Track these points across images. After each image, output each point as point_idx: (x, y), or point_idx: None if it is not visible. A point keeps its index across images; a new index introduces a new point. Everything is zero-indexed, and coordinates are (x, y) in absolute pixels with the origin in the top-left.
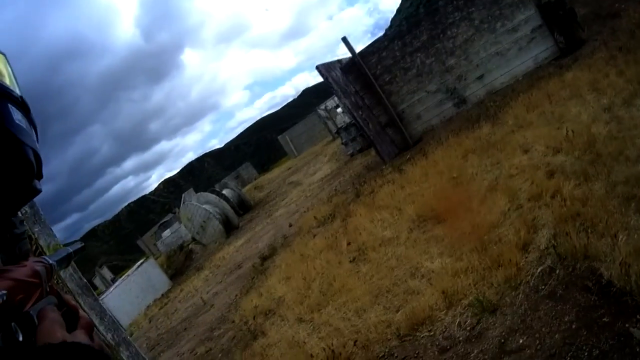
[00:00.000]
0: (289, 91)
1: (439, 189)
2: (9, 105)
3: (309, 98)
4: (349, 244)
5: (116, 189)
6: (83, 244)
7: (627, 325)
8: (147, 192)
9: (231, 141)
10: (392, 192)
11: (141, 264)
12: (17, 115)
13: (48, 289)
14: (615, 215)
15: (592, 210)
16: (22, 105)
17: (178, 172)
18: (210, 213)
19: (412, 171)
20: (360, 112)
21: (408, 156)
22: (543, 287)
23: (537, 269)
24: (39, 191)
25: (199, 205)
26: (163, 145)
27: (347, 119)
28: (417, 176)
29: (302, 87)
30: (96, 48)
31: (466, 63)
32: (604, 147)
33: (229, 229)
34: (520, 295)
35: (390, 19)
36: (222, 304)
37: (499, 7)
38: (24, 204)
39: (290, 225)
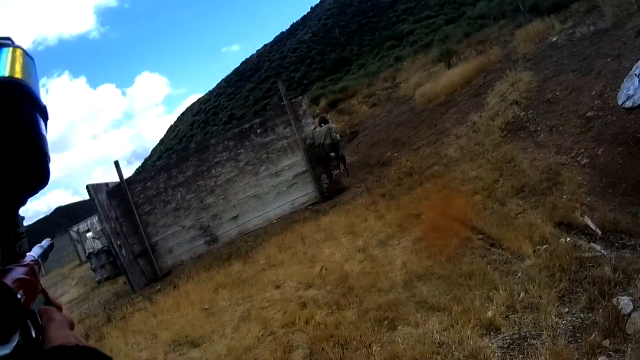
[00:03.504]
0: (42, 207)
1: (191, 318)
2: (37, 114)
3: (61, 217)
4: None
5: None
6: (53, 241)
7: None
8: None
9: None
10: (145, 319)
11: None
12: (43, 126)
13: (40, 287)
14: (368, 333)
15: (345, 332)
16: (44, 114)
17: None
18: None
19: (163, 301)
20: (117, 239)
21: (158, 287)
22: None
23: None
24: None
25: None
26: None
27: (96, 245)
28: (169, 306)
29: (55, 205)
30: None
31: (224, 203)
32: (356, 281)
33: None
34: None
35: (151, 149)
36: None
37: (267, 151)
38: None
39: None
